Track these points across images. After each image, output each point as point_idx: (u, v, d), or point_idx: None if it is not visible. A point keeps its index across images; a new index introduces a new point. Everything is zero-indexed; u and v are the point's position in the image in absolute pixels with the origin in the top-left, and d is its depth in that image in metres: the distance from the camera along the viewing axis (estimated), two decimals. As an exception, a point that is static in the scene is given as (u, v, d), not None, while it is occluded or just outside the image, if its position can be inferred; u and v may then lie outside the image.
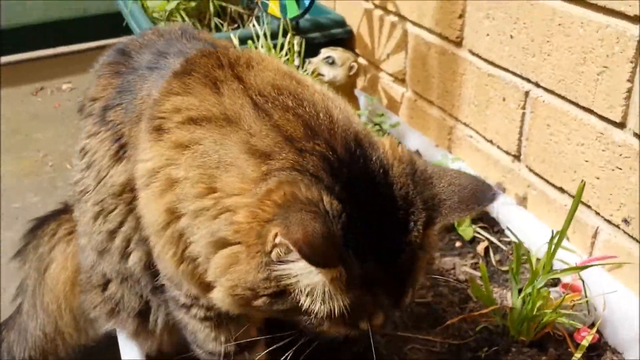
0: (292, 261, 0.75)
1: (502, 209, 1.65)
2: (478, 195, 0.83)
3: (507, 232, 1.61)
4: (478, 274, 1.53)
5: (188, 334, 1.11)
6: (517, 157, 1.66)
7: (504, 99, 1.63)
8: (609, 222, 1.40)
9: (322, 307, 0.78)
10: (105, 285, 1.19)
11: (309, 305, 0.78)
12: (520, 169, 1.66)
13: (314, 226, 0.70)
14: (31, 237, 1.46)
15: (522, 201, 1.67)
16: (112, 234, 1.08)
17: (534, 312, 1.26)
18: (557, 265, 1.45)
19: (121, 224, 1.06)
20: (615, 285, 1.37)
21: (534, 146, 1.58)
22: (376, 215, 0.80)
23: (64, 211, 1.49)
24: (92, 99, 1.10)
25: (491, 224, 1.67)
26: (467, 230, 1.64)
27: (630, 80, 1.26)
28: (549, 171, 1.54)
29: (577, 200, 1.12)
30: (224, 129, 0.84)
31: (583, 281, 1.28)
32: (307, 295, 0.78)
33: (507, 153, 1.69)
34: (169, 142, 0.87)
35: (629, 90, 1.26)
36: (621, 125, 1.31)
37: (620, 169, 1.33)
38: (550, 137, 1.51)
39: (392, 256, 0.80)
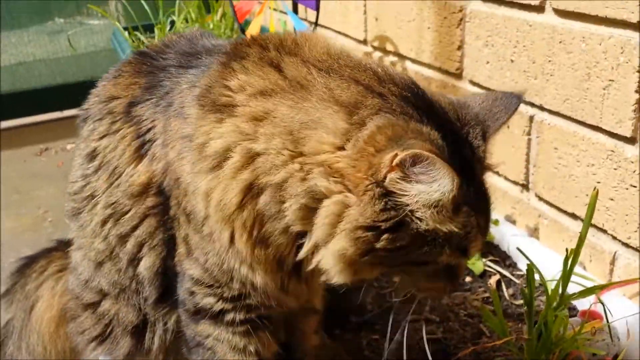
0: (411, 181, 0.77)
1: (513, 241, 1.57)
2: (507, 104, 0.96)
3: (516, 256, 1.52)
4: (491, 307, 1.43)
5: (198, 354, 1.04)
6: (525, 186, 1.59)
7: (508, 127, 1.57)
8: (627, 245, 1.31)
9: (442, 228, 0.80)
10: (98, 302, 1.14)
11: (430, 228, 0.80)
12: (530, 199, 1.58)
13: (430, 144, 0.76)
14: (19, 276, 1.40)
15: (534, 232, 1.58)
16: (123, 238, 1.03)
17: (552, 341, 1.16)
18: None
19: (135, 227, 1.02)
20: (637, 311, 1.27)
21: (543, 173, 1.51)
22: (453, 139, 0.84)
23: (56, 249, 1.43)
24: (110, 98, 1.06)
25: (502, 258, 1.58)
26: (477, 264, 1.55)
27: (639, 90, 1.20)
28: (559, 198, 1.47)
29: (592, 208, 1.04)
30: (298, 92, 0.85)
31: (604, 306, 1.18)
32: (428, 217, 0.79)
33: (515, 183, 1.62)
34: (242, 116, 0.86)
35: (638, 102, 1.21)
36: (632, 140, 1.24)
37: (635, 186, 1.26)
38: (559, 162, 1.44)
39: (473, 175, 0.85)
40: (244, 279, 0.94)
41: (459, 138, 0.86)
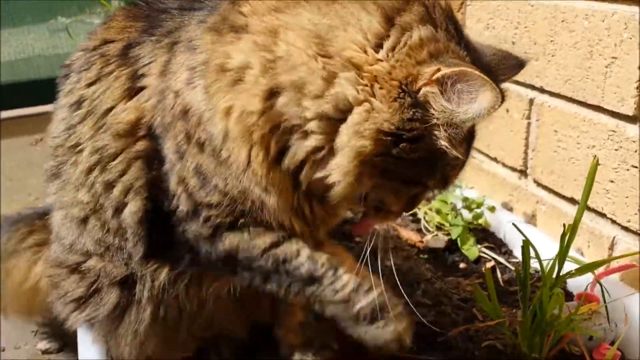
0: (449, 99, 0.79)
1: (509, 228, 1.53)
2: (512, 65, 0.98)
3: (512, 243, 1.48)
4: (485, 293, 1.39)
5: (235, 266, 0.99)
6: (523, 172, 1.55)
7: (507, 111, 1.55)
8: (626, 229, 1.28)
9: (452, 150, 0.83)
10: (84, 262, 1.09)
11: (444, 148, 0.83)
12: (528, 185, 1.55)
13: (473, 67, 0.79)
14: None
15: (531, 219, 1.55)
16: (109, 185, 0.99)
17: (547, 321, 1.12)
18: (570, 281, 1.32)
19: (123, 172, 0.98)
20: (636, 297, 1.23)
21: (542, 157, 1.47)
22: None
23: (40, 216, 1.39)
24: (102, 42, 1.02)
25: (498, 245, 1.55)
26: (471, 249, 1.51)
27: (642, 67, 1.17)
28: (558, 182, 1.43)
29: (592, 177, 1.00)
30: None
31: (601, 285, 1.14)
32: (448, 136, 0.82)
33: (513, 169, 1.59)
34: (258, 32, 0.86)
35: (642, 78, 1.18)
36: (634, 118, 1.21)
37: (636, 167, 1.22)
38: (559, 144, 1.41)
39: None
40: (257, 200, 0.92)
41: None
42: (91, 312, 1.10)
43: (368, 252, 1.00)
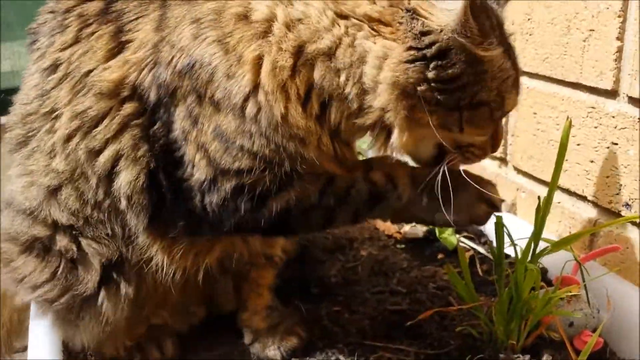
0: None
1: (489, 217, 1.47)
2: None
3: (492, 234, 1.41)
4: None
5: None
6: (503, 160, 1.50)
7: (486, 96, 1.50)
8: (608, 210, 1.22)
9: (483, 53, 0.82)
10: (49, 237, 0.99)
11: (473, 54, 0.81)
12: (508, 173, 1.49)
13: None
14: None
15: (512, 207, 1.49)
16: (95, 153, 0.92)
17: (523, 303, 1.05)
18: (548, 265, 1.26)
19: (112, 139, 0.91)
20: (620, 283, 1.17)
21: (521, 142, 1.42)
22: None
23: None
24: (79, 2, 0.96)
25: (477, 234, 1.49)
26: (450, 238, 1.45)
27: (620, 38, 1.12)
28: (537, 167, 1.38)
29: (565, 138, 0.95)
30: None
31: (582, 268, 1.07)
32: (468, 38, 0.80)
33: (493, 157, 1.53)
34: None
35: (620, 50, 1.13)
36: (613, 93, 1.16)
37: (616, 143, 1.17)
38: (538, 127, 1.36)
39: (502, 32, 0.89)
40: (295, 155, 0.88)
41: None
42: (53, 292, 1.01)
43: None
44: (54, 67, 0.95)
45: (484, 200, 0.98)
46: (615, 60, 1.14)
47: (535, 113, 1.36)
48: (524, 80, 1.36)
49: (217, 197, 0.90)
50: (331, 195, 0.92)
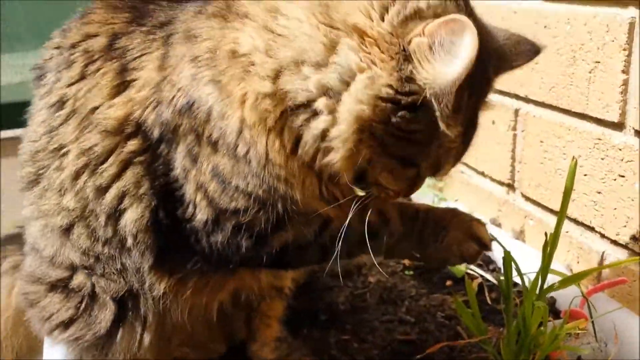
0: (434, 52, 0.75)
1: (495, 244, 1.47)
2: (527, 51, 0.96)
3: (501, 261, 1.41)
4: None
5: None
6: (511, 186, 1.50)
7: (493, 122, 1.50)
8: (615, 243, 1.22)
9: (442, 124, 0.79)
10: (69, 277, 1.01)
11: (436, 118, 0.78)
12: (515, 200, 1.49)
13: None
14: None
15: (520, 235, 1.49)
16: (102, 190, 0.93)
17: (531, 337, 1.05)
18: (557, 294, 1.26)
19: (117, 176, 0.91)
20: (628, 316, 1.17)
21: (529, 170, 1.42)
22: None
23: (11, 240, 1.34)
24: (85, 36, 0.96)
25: (486, 262, 1.48)
26: (458, 267, 1.45)
27: (625, 70, 1.13)
28: (545, 195, 1.38)
29: (570, 183, 0.95)
30: None
31: (587, 300, 1.07)
32: (438, 102, 0.77)
33: (501, 183, 1.53)
34: (260, 14, 0.83)
35: (625, 82, 1.13)
36: (619, 125, 1.16)
37: (623, 176, 1.17)
38: (545, 155, 1.36)
39: (476, 104, 0.87)
40: (286, 196, 0.87)
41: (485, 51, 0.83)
42: (78, 331, 1.03)
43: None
44: (60, 103, 0.96)
45: (474, 239, 0.98)
46: (621, 92, 1.14)
47: (542, 141, 1.36)
48: (530, 108, 1.37)
49: (222, 236, 0.91)
50: (326, 236, 0.93)
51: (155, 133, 0.89)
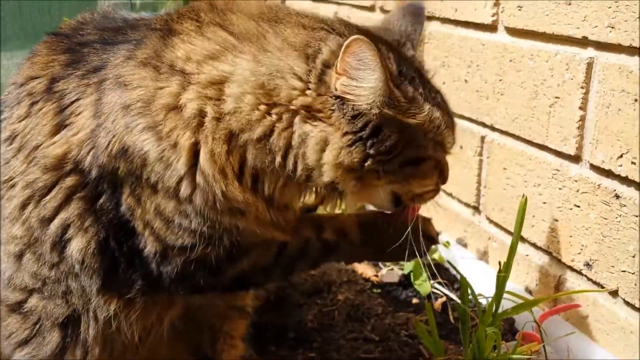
0: (352, 77, 0.85)
1: (462, 264, 1.53)
2: (415, 16, 1.07)
3: (450, 269, 1.47)
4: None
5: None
6: (476, 208, 1.56)
7: (461, 147, 1.56)
8: (571, 268, 1.28)
9: (408, 120, 0.88)
10: (24, 300, 1.06)
11: (400, 123, 0.88)
12: (481, 222, 1.55)
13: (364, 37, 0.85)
14: None
15: (484, 255, 1.55)
16: (45, 221, 0.98)
17: (485, 359, 1.11)
18: (518, 319, 1.32)
19: (59, 208, 0.97)
20: (580, 338, 1.23)
21: (493, 194, 1.48)
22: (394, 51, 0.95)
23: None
24: (28, 79, 1.02)
25: (451, 280, 1.54)
26: (423, 285, 1.50)
27: (583, 107, 1.19)
28: (508, 219, 1.44)
29: (521, 217, 1.01)
30: (254, 45, 0.90)
31: (539, 325, 1.13)
32: (389, 110, 0.86)
33: (467, 205, 1.59)
34: (200, 83, 0.89)
35: (582, 119, 1.19)
36: (576, 158, 1.22)
37: (578, 206, 1.23)
38: (507, 182, 1.42)
39: (421, 75, 0.97)
40: (232, 228, 0.93)
41: (397, 51, 0.97)
42: (32, 350, 1.08)
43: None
44: (12, 138, 1.02)
45: (424, 237, 1.05)
46: (578, 127, 1.20)
47: (505, 168, 1.42)
48: (495, 136, 1.43)
49: (171, 268, 0.96)
50: (286, 257, 1.01)
51: (93, 173, 0.94)
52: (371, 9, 1.91)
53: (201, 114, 0.89)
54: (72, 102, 0.96)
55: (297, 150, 0.89)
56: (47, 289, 1.03)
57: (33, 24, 3.84)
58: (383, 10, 1.84)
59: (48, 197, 0.96)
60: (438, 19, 1.60)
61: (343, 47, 0.84)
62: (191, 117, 0.89)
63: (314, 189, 0.97)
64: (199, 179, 0.89)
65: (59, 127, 0.96)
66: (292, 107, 0.88)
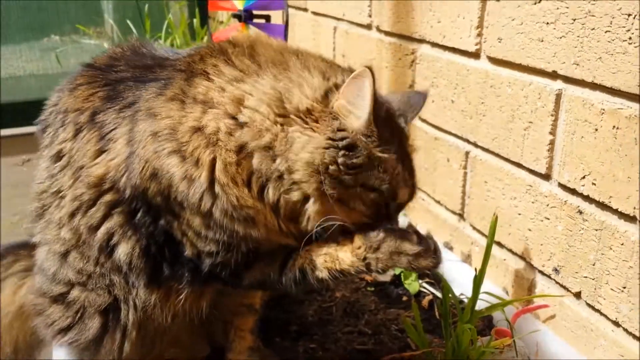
0: (348, 103, 1.01)
1: (448, 266, 1.69)
2: (417, 101, 1.22)
3: (451, 280, 1.64)
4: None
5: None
6: (461, 215, 1.73)
7: (448, 160, 1.72)
8: (542, 272, 1.45)
9: (376, 153, 1.03)
10: (67, 292, 1.22)
11: (369, 151, 1.02)
12: (465, 227, 1.72)
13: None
14: None
15: (467, 258, 1.71)
16: (93, 229, 1.13)
17: (463, 352, 1.28)
18: (496, 316, 1.49)
19: (104, 219, 1.12)
20: (548, 334, 1.40)
21: (475, 204, 1.65)
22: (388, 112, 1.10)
23: (24, 246, 1.53)
24: (71, 110, 1.17)
25: (437, 281, 1.71)
26: (413, 284, 1.68)
27: (552, 132, 1.35)
28: (487, 227, 1.60)
29: (492, 234, 1.17)
30: (278, 67, 1.06)
31: (509, 322, 1.31)
32: (363, 138, 1.01)
33: (453, 212, 1.76)
34: (223, 104, 1.04)
35: (552, 142, 1.36)
36: (547, 176, 1.39)
37: (548, 219, 1.40)
38: (488, 194, 1.59)
39: (401, 142, 1.10)
40: (247, 236, 1.07)
41: (390, 112, 1.11)
42: (74, 335, 1.24)
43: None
44: (58, 156, 1.17)
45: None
46: (548, 150, 1.37)
47: (485, 182, 1.59)
48: (478, 152, 1.60)
49: (203, 267, 1.13)
50: (295, 272, 1.13)
51: (127, 192, 1.10)
52: (368, 27, 2.05)
53: (218, 129, 1.04)
54: (111, 131, 1.11)
55: (287, 153, 1.02)
56: (92, 282, 1.19)
57: (34, 18, 3.95)
58: (379, 30, 1.99)
59: (93, 210, 1.12)
60: (428, 42, 1.76)
61: (353, 74, 1.00)
62: (212, 134, 1.04)
63: (293, 200, 1.07)
64: (216, 188, 1.04)
65: (100, 152, 1.12)
66: (296, 115, 1.03)
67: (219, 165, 1.04)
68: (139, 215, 1.10)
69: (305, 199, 1.06)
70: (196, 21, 3.13)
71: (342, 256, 1.08)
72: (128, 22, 3.13)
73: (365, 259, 1.06)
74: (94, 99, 1.15)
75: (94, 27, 4.10)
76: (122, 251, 1.13)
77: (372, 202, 1.07)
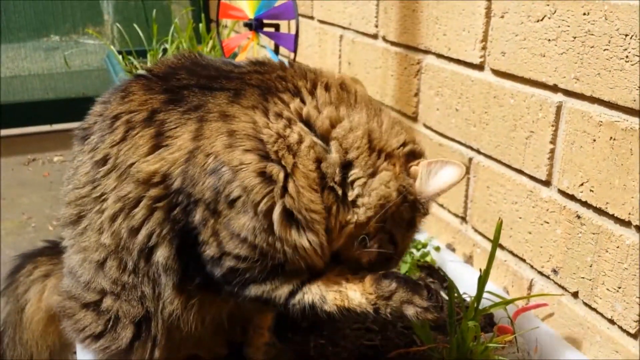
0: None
1: (451, 266, 1.78)
2: None
3: (455, 280, 1.72)
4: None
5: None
6: (464, 218, 1.81)
7: (452, 166, 1.81)
8: (541, 273, 1.53)
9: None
10: (100, 300, 1.24)
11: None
12: (467, 230, 1.80)
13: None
14: (10, 279, 1.56)
15: (469, 259, 1.80)
16: (134, 231, 1.14)
17: (468, 348, 1.36)
18: (497, 314, 1.57)
19: (146, 218, 1.13)
20: (547, 331, 1.48)
21: (477, 207, 1.73)
22: None
23: (41, 253, 1.59)
24: (127, 112, 1.16)
25: (441, 281, 1.79)
26: (417, 284, 1.76)
27: (553, 142, 1.44)
28: (490, 230, 1.69)
29: (497, 237, 1.26)
30: (370, 109, 1.16)
31: (511, 321, 1.39)
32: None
33: (456, 215, 1.84)
34: (322, 120, 1.10)
35: (552, 151, 1.44)
36: (547, 183, 1.47)
37: (548, 222, 1.48)
38: (490, 198, 1.67)
39: None
40: (291, 247, 1.08)
41: None
42: (106, 343, 1.26)
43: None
44: (104, 160, 1.17)
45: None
46: (549, 158, 1.45)
47: (488, 187, 1.67)
48: (480, 159, 1.68)
49: (219, 271, 1.15)
50: (297, 304, 1.15)
51: (176, 184, 1.10)
52: (374, 36, 2.13)
53: (300, 141, 1.07)
54: (172, 129, 1.11)
55: (367, 178, 1.10)
56: (125, 294, 1.21)
57: (35, 17, 4.00)
58: (385, 40, 2.08)
59: (137, 209, 1.12)
60: (434, 53, 1.84)
61: (430, 161, 1.13)
62: (294, 144, 1.07)
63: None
64: (290, 188, 1.06)
65: (155, 148, 1.11)
66: (384, 152, 1.12)
67: (299, 170, 1.07)
68: (176, 210, 1.11)
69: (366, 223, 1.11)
70: (202, 26, 3.20)
71: (352, 296, 1.12)
72: (135, 26, 3.18)
73: (375, 304, 1.11)
74: (152, 102, 1.14)
75: (93, 27, 4.16)
76: (161, 254, 1.14)
77: (384, 252, 1.15)
